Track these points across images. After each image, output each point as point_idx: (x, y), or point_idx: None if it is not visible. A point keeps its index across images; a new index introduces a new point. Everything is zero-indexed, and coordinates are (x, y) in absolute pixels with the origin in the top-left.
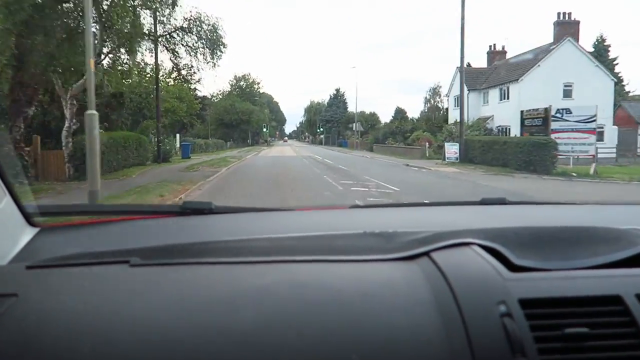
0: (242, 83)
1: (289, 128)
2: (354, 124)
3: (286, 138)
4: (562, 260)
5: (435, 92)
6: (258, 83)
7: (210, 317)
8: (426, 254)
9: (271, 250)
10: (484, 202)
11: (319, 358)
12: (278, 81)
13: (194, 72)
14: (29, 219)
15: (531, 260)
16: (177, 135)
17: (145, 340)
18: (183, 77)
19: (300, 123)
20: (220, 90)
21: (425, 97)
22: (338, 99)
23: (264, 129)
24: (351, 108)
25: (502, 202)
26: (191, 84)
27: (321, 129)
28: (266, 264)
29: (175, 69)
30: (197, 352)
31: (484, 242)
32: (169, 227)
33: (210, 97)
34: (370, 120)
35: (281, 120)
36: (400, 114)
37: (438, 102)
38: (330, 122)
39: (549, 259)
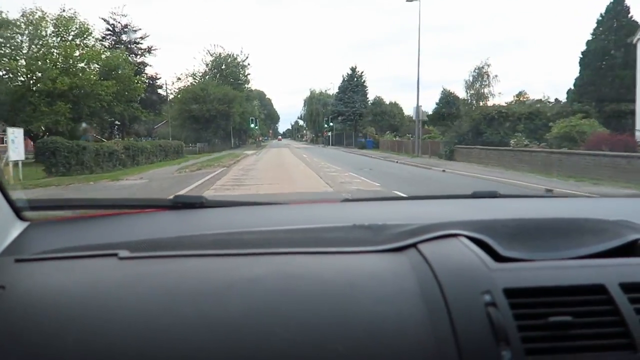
0: (222, 67)
1: (282, 127)
2: (416, 109)
3: (280, 137)
4: (548, 251)
5: (480, 73)
6: (245, 66)
7: (199, 308)
8: (413, 245)
9: (260, 243)
10: (476, 195)
11: (306, 348)
12: (268, 80)
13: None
14: (18, 213)
15: (517, 251)
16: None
17: (134, 332)
18: (122, 42)
19: (295, 120)
20: (188, 72)
21: (467, 81)
22: (354, 83)
23: (252, 124)
24: (372, 95)
25: (493, 195)
26: (136, 54)
27: (330, 124)
28: (255, 256)
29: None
30: (185, 343)
31: (470, 233)
32: (160, 220)
33: (174, 81)
34: (393, 112)
35: (274, 117)
36: (447, 97)
37: (486, 85)
38: (344, 114)
39: (535, 250)
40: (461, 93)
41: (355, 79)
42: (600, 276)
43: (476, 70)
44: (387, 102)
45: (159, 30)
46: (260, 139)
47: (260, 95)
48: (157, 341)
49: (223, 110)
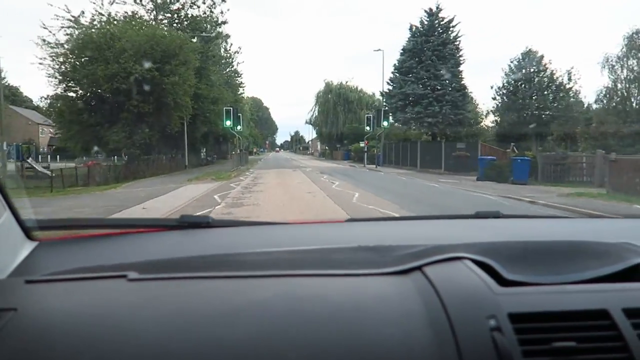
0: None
1: (280, 139)
2: None
3: (278, 149)
4: (551, 274)
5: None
6: (222, 38)
7: (208, 331)
8: (419, 268)
9: (267, 264)
10: (479, 215)
11: None
12: (265, 91)
13: None
14: (28, 233)
15: (521, 275)
16: None
17: (144, 355)
18: None
19: (296, 131)
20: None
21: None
22: (436, 40)
23: (227, 122)
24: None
25: (496, 215)
26: None
27: (383, 124)
28: (264, 278)
29: None
30: None
31: (475, 256)
32: (167, 241)
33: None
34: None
35: (272, 128)
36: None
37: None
38: (420, 100)
39: (539, 273)
40: None
41: (439, 32)
42: (604, 301)
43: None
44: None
45: None
46: (257, 150)
47: (257, 103)
48: None
49: (151, 76)
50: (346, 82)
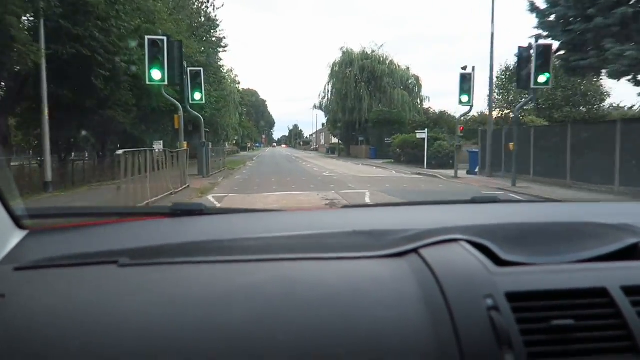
0: None
1: (278, 134)
2: None
3: (275, 144)
4: (549, 255)
5: None
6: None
7: (200, 315)
8: (414, 250)
9: (261, 249)
10: (475, 200)
11: (309, 352)
12: (261, 86)
13: None
14: (17, 221)
15: (518, 256)
16: None
17: (136, 339)
18: None
19: (294, 124)
20: None
21: None
22: None
23: (151, 72)
24: None
25: (493, 200)
26: None
27: (539, 79)
28: (256, 262)
29: None
30: (188, 350)
31: (471, 238)
32: (159, 228)
33: None
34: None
35: (269, 121)
36: None
37: None
38: None
39: (536, 254)
40: None
41: None
42: (602, 279)
43: None
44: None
45: None
46: (250, 145)
47: (254, 94)
48: (159, 348)
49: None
50: (372, 52)
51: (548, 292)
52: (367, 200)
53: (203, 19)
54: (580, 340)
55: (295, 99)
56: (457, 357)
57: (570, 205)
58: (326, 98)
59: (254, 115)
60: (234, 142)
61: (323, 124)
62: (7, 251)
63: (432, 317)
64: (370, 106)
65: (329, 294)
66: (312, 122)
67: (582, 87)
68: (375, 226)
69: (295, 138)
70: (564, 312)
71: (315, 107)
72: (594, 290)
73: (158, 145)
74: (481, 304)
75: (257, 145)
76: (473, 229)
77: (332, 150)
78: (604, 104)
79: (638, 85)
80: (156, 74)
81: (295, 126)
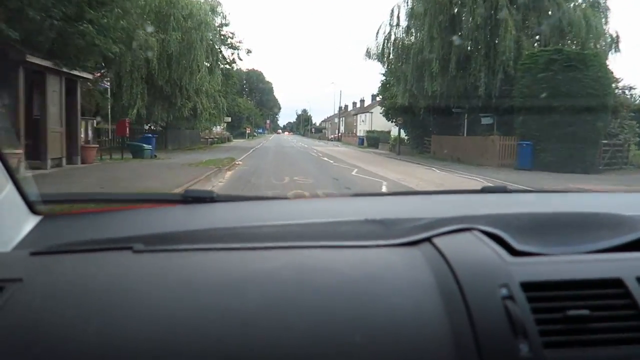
0: None
1: (283, 120)
2: None
3: (280, 130)
4: (563, 245)
5: None
6: None
7: (216, 300)
8: (428, 239)
9: (274, 236)
10: (485, 190)
11: (324, 339)
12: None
13: None
14: (32, 207)
15: (532, 246)
16: None
17: (152, 324)
18: None
19: (303, 109)
20: None
21: None
22: None
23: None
24: None
25: (503, 190)
26: None
27: None
28: (271, 249)
29: None
30: (203, 336)
31: (485, 227)
32: (171, 215)
33: None
34: None
35: (275, 106)
36: None
37: None
38: None
39: (550, 244)
40: None
41: None
42: (617, 270)
43: None
44: None
45: None
46: (250, 130)
47: (258, 75)
48: (175, 334)
49: None
50: None
51: (563, 282)
52: None
53: None
54: (595, 330)
55: (304, 82)
56: (473, 346)
57: (581, 195)
58: (392, 35)
59: (258, 99)
60: (223, 125)
61: (352, 104)
62: (22, 237)
63: (447, 305)
64: (518, 44)
65: (343, 281)
66: (330, 103)
67: None
68: (387, 215)
69: (303, 124)
70: (579, 302)
71: (365, 54)
72: (609, 281)
73: None
74: (496, 293)
75: (260, 131)
76: (486, 218)
77: (368, 140)
78: None
79: None
80: None
81: (304, 111)
